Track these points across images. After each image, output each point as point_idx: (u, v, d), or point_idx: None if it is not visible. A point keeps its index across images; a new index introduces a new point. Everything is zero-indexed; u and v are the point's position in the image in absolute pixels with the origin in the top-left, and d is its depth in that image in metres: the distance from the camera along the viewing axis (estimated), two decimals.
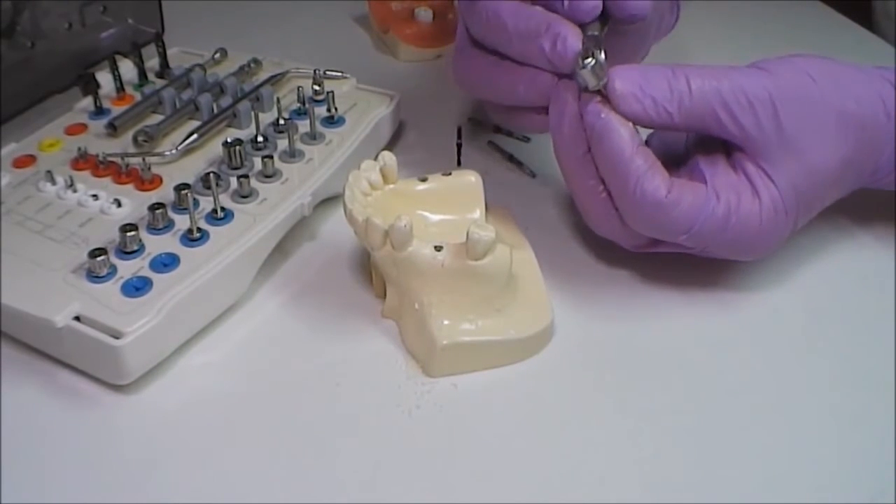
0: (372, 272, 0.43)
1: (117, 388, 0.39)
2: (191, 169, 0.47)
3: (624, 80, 0.39)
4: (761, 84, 0.39)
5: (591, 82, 0.39)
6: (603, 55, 0.39)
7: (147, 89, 0.54)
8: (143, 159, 0.46)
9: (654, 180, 0.39)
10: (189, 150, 0.48)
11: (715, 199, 0.39)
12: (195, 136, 0.49)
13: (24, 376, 0.40)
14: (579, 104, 0.40)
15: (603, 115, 0.39)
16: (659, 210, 0.39)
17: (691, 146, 0.43)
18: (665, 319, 0.43)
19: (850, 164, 0.41)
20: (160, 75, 0.56)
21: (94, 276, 0.40)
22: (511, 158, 0.53)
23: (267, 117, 0.51)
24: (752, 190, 0.39)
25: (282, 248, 0.45)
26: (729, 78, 0.39)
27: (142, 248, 0.41)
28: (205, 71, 0.54)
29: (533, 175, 0.52)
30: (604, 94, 0.39)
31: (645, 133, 0.41)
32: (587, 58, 0.39)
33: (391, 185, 0.43)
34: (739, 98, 0.39)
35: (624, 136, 0.39)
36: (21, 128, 0.53)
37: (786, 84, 0.39)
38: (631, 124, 0.39)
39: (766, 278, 0.44)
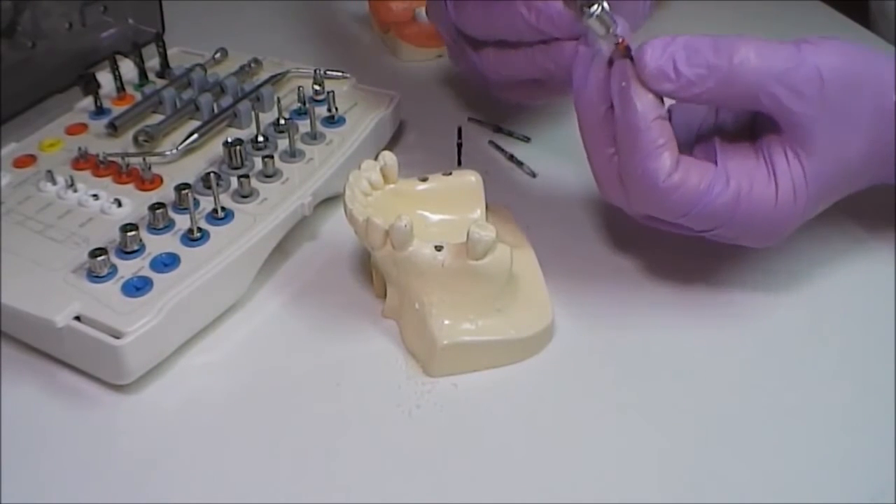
0: (372, 272, 0.43)
1: (117, 388, 0.39)
2: (191, 169, 0.47)
3: (655, 55, 0.37)
4: (812, 62, 0.37)
5: (600, 30, 0.37)
6: (606, 3, 0.37)
7: (147, 89, 0.54)
8: (144, 159, 0.46)
9: (660, 159, 0.37)
10: (189, 150, 0.48)
11: (723, 183, 0.38)
12: (195, 135, 0.49)
13: (24, 376, 0.40)
14: (606, 63, 0.38)
15: (623, 83, 0.37)
16: (655, 192, 0.38)
17: (711, 124, 0.41)
18: (667, 319, 0.43)
19: (873, 158, 0.40)
20: (161, 75, 0.56)
21: (94, 276, 0.40)
22: (511, 158, 0.53)
23: (267, 117, 0.51)
24: (768, 174, 0.38)
25: (282, 248, 0.45)
26: (777, 55, 0.37)
27: (142, 247, 0.41)
28: (205, 71, 0.54)
29: (533, 175, 0.52)
30: (632, 59, 0.37)
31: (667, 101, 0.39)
32: (592, 5, 0.37)
33: (391, 185, 0.43)
34: (789, 79, 0.36)
35: (640, 109, 0.37)
36: (21, 128, 0.53)
37: (835, 64, 0.37)
38: (652, 95, 0.37)
39: (774, 282, 0.44)
